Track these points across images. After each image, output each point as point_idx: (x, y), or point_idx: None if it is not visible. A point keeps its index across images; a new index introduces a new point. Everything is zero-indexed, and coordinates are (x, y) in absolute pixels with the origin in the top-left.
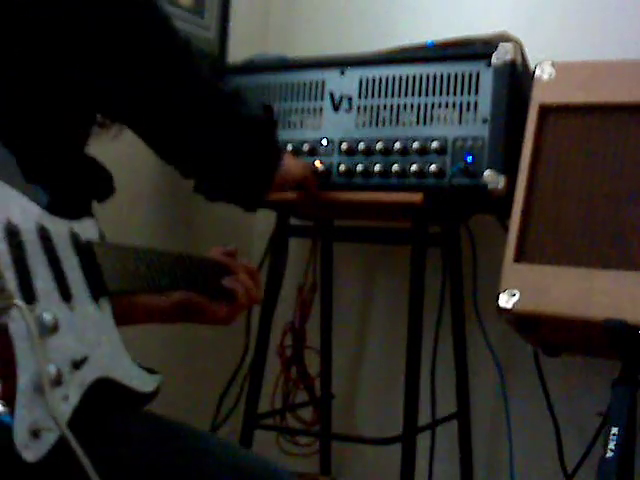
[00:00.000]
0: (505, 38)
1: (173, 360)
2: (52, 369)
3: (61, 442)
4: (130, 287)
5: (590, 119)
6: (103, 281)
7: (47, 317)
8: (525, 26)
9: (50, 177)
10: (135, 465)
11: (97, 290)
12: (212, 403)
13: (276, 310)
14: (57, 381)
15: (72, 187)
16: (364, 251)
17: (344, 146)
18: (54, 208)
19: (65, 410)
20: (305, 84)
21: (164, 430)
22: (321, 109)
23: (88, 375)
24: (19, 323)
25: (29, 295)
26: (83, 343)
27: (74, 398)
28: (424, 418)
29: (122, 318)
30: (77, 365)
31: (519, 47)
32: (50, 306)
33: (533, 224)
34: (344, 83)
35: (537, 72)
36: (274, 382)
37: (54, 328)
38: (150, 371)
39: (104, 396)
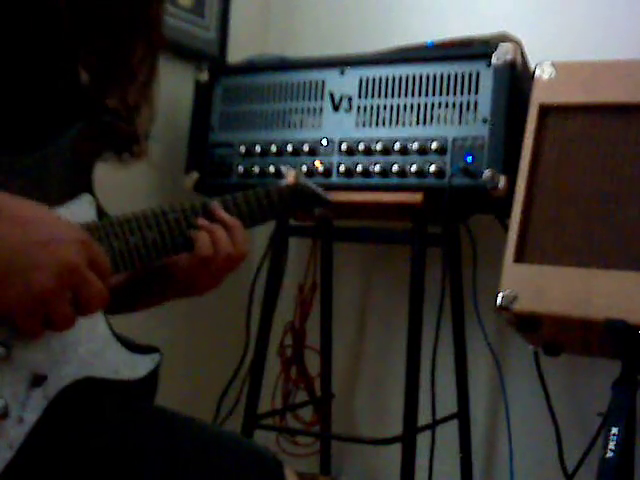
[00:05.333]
0: (505, 38)
1: (173, 360)
2: None
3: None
4: (135, 261)
5: (590, 119)
6: None
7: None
8: (525, 26)
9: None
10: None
11: None
12: (212, 403)
13: (276, 310)
14: (4, 414)
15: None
16: (364, 251)
17: (344, 146)
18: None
19: (18, 433)
20: (305, 84)
21: (141, 416)
22: (321, 109)
23: (52, 389)
24: None
25: None
26: (50, 352)
27: (32, 416)
28: (424, 418)
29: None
30: (38, 382)
31: (519, 47)
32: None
33: (533, 224)
34: (344, 83)
35: (537, 72)
36: (274, 382)
37: (6, 357)
38: (147, 350)
39: (81, 396)
